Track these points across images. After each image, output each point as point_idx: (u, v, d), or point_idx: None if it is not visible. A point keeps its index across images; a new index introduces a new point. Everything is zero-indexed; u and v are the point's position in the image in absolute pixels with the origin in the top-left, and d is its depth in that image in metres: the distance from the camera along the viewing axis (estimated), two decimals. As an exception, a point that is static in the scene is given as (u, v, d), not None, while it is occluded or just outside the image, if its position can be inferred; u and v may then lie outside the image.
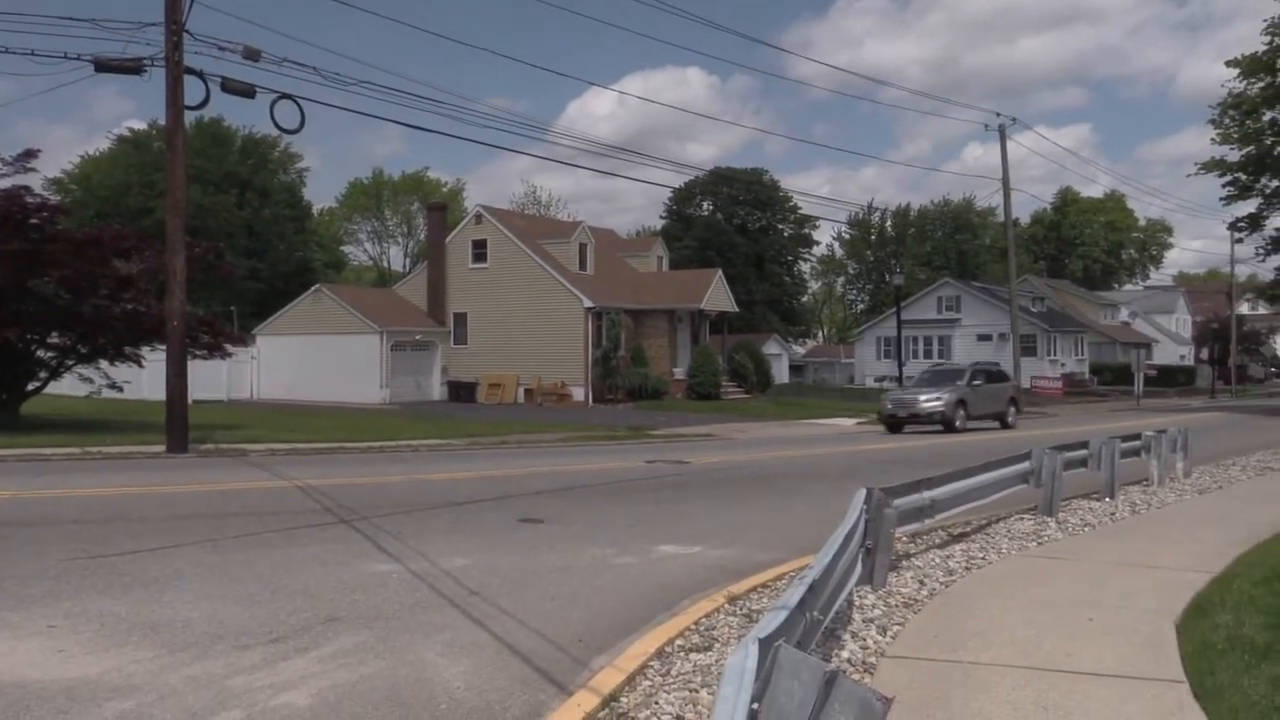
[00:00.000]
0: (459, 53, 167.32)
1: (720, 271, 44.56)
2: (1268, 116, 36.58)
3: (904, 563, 7.83)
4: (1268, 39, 34.37)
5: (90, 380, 22.86)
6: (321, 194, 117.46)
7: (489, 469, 15.12)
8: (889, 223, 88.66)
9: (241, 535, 8.63)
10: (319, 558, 7.75)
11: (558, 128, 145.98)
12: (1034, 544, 9.03)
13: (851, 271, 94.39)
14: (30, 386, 22.08)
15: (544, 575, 7.37)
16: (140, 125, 64.21)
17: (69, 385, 23.77)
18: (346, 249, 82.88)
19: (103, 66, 16.62)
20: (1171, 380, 62.87)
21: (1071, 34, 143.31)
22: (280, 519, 9.59)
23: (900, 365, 37.94)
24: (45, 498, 11.03)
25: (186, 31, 16.87)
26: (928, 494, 8.17)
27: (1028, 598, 6.77)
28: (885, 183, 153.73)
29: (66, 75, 26.76)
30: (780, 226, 76.65)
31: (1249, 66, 35.29)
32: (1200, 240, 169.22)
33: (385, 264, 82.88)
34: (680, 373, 39.78)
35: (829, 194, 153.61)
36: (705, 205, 74.66)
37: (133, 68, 16.74)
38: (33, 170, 21.48)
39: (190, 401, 17.71)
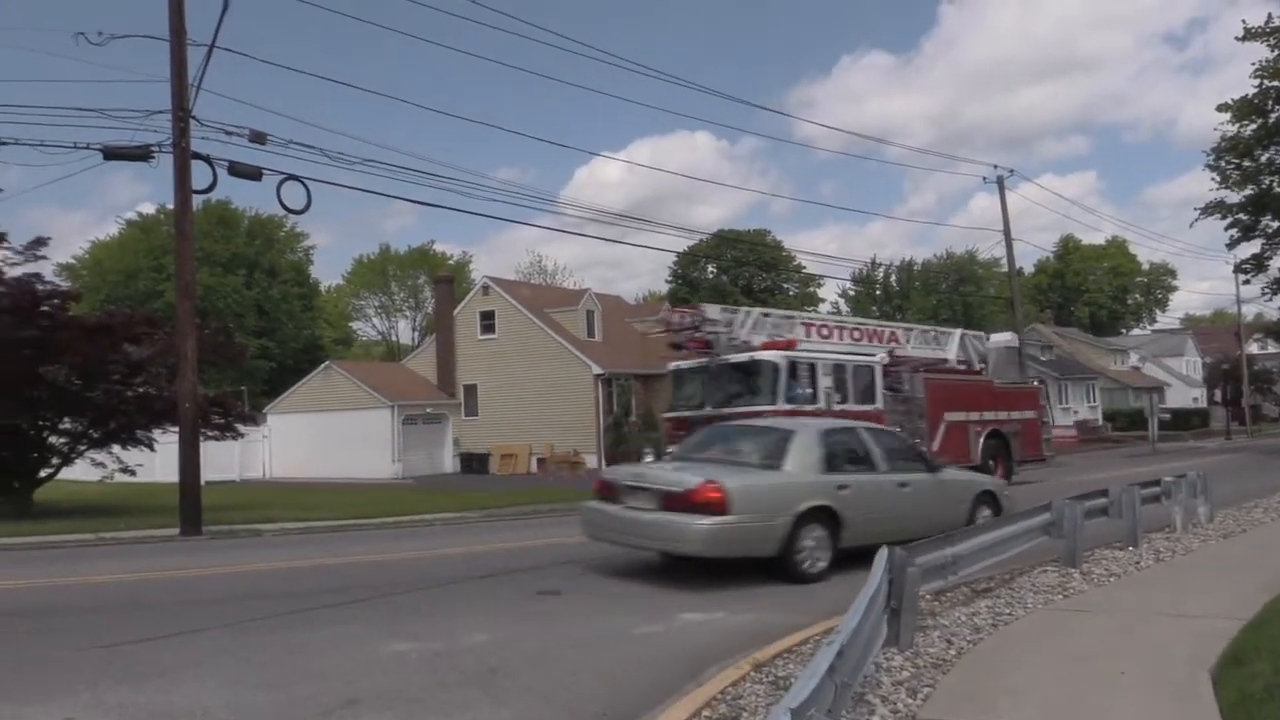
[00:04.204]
0: (466, 128, 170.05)
1: (727, 332, 44.63)
2: (1264, 157, 36.81)
3: (929, 622, 7.71)
4: (1257, 82, 34.75)
5: (103, 465, 22.87)
6: (330, 271, 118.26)
7: (506, 541, 15.01)
8: (893, 277, 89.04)
9: (258, 618, 8.54)
10: (337, 638, 7.66)
11: (565, 196, 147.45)
12: (1060, 597, 8.89)
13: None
14: (43, 473, 22.08)
15: (565, 648, 7.27)
16: (150, 209, 65.10)
17: (81, 470, 23.76)
18: (355, 325, 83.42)
19: (111, 154, 16.88)
20: (1186, 423, 62.47)
21: (1072, 83, 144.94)
22: (297, 600, 9.50)
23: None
24: (59, 586, 10.96)
25: (193, 118, 17.16)
26: (949, 550, 8.08)
27: (1058, 653, 6.65)
28: (892, 237, 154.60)
29: (77, 164, 27.23)
30: (785, 286, 77.08)
31: (1241, 110, 35.63)
32: (1208, 282, 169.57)
33: (394, 338, 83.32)
34: (691, 435, 39.47)
35: (837, 251, 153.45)
36: (710, 268, 75.17)
37: (141, 155, 16.99)
38: (43, 258, 21.73)
39: (203, 483, 17.68)
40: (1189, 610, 7.96)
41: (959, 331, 25.84)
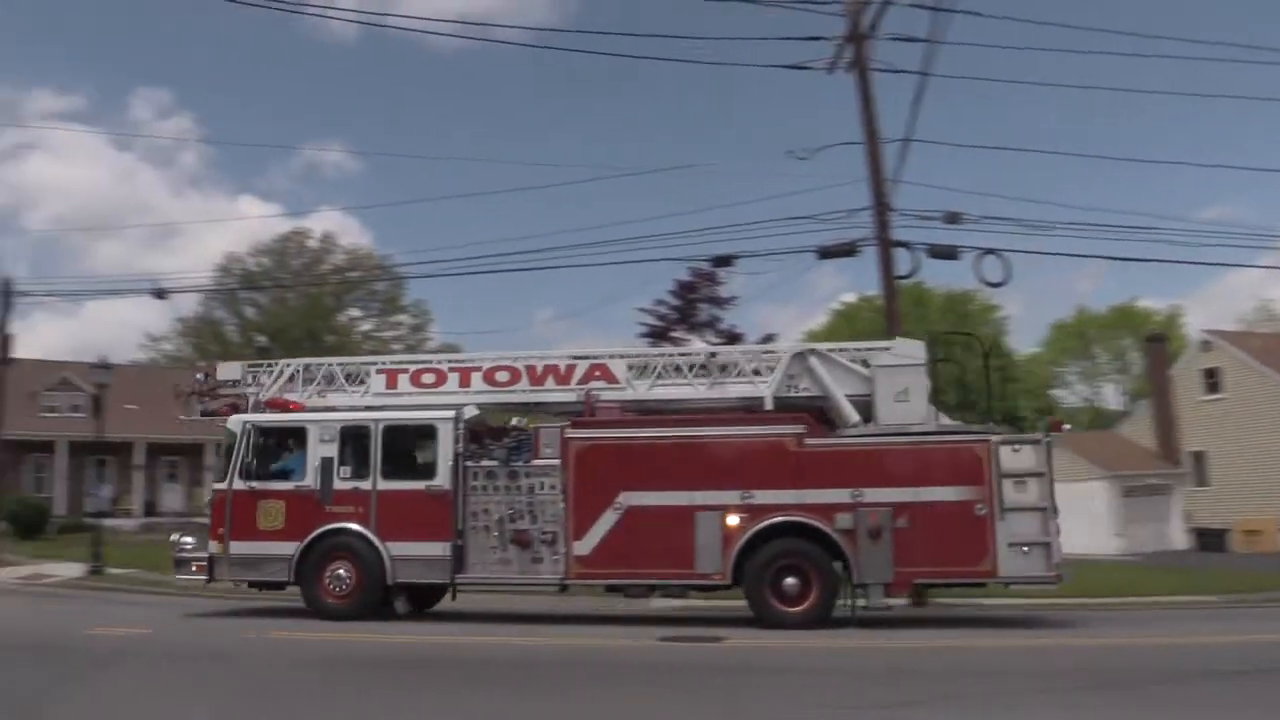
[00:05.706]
0: (1162, 172, 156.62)
1: None
2: None
3: None
4: None
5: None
6: (1023, 339, 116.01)
7: (1259, 633, 13.06)
8: None
9: (968, 695, 8.44)
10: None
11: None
12: None
13: None
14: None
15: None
16: (851, 298, 70.49)
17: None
18: (1055, 392, 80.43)
19: (825, 254, 18.80)
20: None
21: None
22: (1008, 679, 9.21)
23: None
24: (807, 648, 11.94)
25: (891, 210, 18.27)
26: None
27: None
28: None
29: (794, 267, 31.00)
30: None
31: None
32: None
33: (1099, 404, 78.73)
34: None
35: None
36: None
37: (849, 251, 18.61)
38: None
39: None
40: None
41: (790, 350, 14.83)
